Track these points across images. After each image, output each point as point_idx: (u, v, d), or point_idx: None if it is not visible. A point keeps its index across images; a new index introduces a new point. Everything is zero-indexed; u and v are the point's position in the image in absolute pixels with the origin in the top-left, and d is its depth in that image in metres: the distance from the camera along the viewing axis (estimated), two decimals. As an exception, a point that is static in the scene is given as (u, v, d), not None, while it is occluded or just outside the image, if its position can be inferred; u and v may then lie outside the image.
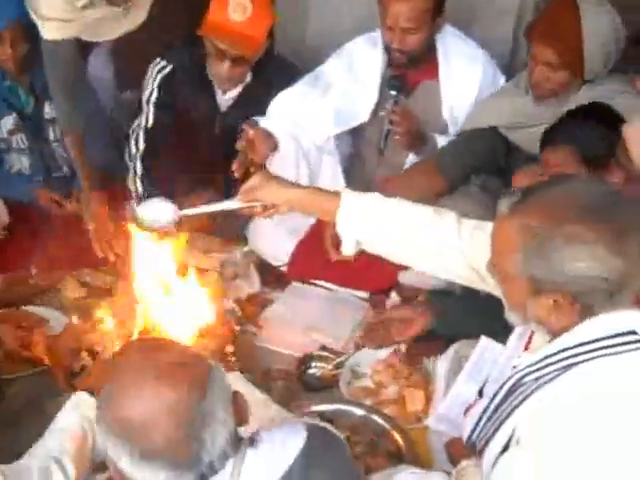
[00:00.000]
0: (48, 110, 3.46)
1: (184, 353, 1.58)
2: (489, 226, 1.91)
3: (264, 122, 3.21)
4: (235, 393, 1.59)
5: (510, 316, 1.84)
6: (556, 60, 2.85)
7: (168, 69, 3.46)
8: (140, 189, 3.42)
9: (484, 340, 2.60)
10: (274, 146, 3.15)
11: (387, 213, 2.19)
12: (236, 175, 2.98)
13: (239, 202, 2.33)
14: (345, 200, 2.19)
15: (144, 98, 3.48)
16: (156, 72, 3.47)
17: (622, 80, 2.91)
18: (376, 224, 2.18)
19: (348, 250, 2.24)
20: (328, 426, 1.75)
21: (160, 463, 1.48)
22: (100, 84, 3.82)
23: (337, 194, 2.22)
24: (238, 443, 1.56)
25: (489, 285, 2.06)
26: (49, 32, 3.07)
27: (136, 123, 3.50)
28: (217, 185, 3.49)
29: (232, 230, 3.39)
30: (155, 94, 3.49)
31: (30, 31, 3.13)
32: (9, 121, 3.46)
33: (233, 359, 2.66)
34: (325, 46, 3.57)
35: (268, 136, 3.13)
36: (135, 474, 1.51)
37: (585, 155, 2.55)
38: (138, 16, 3.26)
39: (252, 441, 1.58)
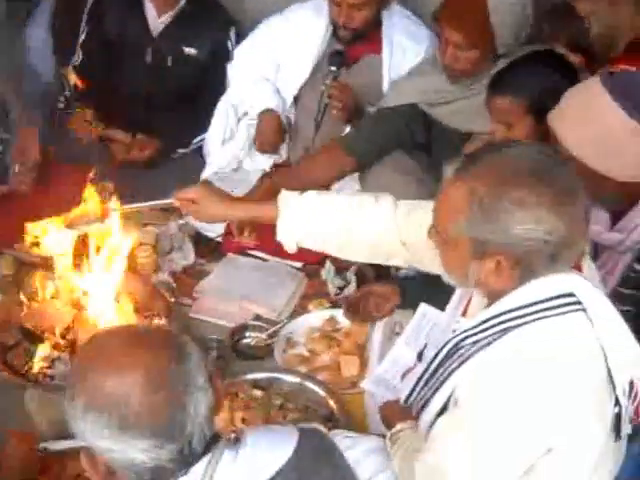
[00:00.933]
0: None
1: (153, 327, 1.59)
2: (423, 204, 1.99)
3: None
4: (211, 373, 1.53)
5: (449, 280, 1.88)
6: (464, 41, 2.87)
7: None
8: None
9: (423, 306, 2.65)
10: None
11: (324, 211, 2.20)
12: None
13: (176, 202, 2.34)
14: (283, 209, 2.20)
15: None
16: (87, 6, 3.61)
17: None
18: (315, 224, 2.20)
19: (290, 250, 2.26)
20: (323, 430, 1.70)
21: (139, 431, 1.41)
22: (39, 57, 3.80)
23: (274, 204, 2.22)
24: (216, 439, 1.50)
25: (426, 265, 2.11)
26: None
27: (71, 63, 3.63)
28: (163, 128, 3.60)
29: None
30: (85, 31, 3.63)
31: None
32: None
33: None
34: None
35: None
36: (115, 449, 1.43)
37: (531, 105, 2.57)
38: None
39: (233, 442, 1.51)
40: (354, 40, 3.30)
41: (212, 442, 1.49)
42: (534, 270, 1.69)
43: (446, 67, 2.99)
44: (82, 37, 3.66)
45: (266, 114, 3.45)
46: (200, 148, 3.65)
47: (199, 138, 3.62)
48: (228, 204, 2.33)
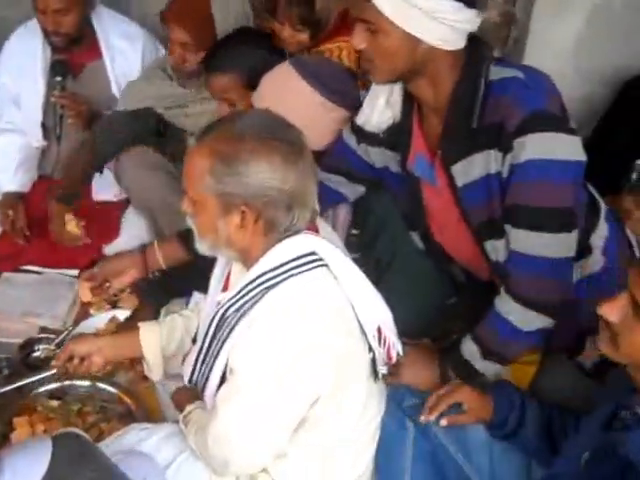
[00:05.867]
0: None
1: None
2: None
3: None
4: None
5: (201, 246, 2.00)
6: (191, 40, 2.99)
7: None
8: None
9: (196, 295, 2.84)
10: None
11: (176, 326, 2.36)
12: None
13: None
14: (143, 332, 2.33)
15: None
16: None
17: None
18: (174, 338, 2.34)
19: (158, 375, 2.37)
20: (79, 432, 1.74)
21: None
22: None
23: (137, 328, 2.35)
24: None
25: None
26: None
27: None
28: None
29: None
30: None
31: None
32: None
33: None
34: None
35: None
36: None
37: (245, 80, 2.74)
38: None
39: None
40: (71, 47, 3.36)
41: None
42: (275, 222, 1.88)
43: (174, 69, 3.12)
44: None
45: (10, 196, 3.45)
46: None
47: None
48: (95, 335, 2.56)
